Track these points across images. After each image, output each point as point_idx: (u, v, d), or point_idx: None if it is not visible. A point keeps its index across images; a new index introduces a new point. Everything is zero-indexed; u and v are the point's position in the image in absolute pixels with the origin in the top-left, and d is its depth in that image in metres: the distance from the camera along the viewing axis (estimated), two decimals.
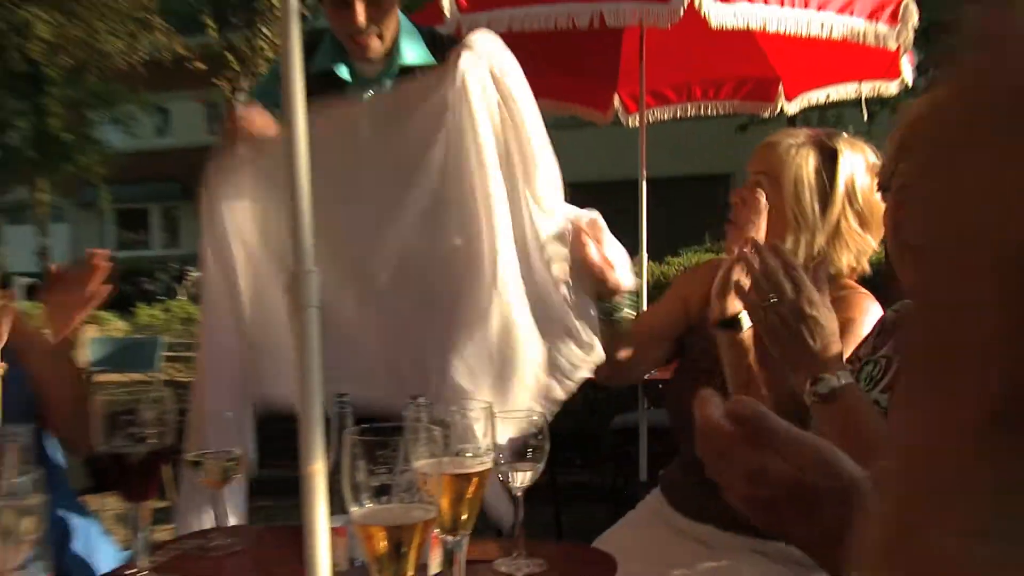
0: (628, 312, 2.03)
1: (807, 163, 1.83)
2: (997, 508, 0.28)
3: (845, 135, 1.89)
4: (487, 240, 1.86)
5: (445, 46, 2.28)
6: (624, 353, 2.06)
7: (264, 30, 15.71)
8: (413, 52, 2.27)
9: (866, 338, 1.68)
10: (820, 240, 1.83)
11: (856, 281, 1.91)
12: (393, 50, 2.26)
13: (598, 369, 2.10)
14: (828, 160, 1.85)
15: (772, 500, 0.80)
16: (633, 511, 2.07)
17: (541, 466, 1.39)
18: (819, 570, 1.83)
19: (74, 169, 21.59)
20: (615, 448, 4.15)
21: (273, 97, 2.28)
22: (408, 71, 2.24)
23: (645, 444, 3.90)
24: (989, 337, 0.27)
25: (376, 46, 2.21)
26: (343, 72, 2.25)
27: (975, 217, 0.27)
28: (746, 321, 1.77)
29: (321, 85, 2.11)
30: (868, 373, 1.56)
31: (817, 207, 1.83)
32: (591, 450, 4.33)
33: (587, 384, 4.18)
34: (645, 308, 3.62)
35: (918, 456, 0.31)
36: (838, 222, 1.84)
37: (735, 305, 1.79)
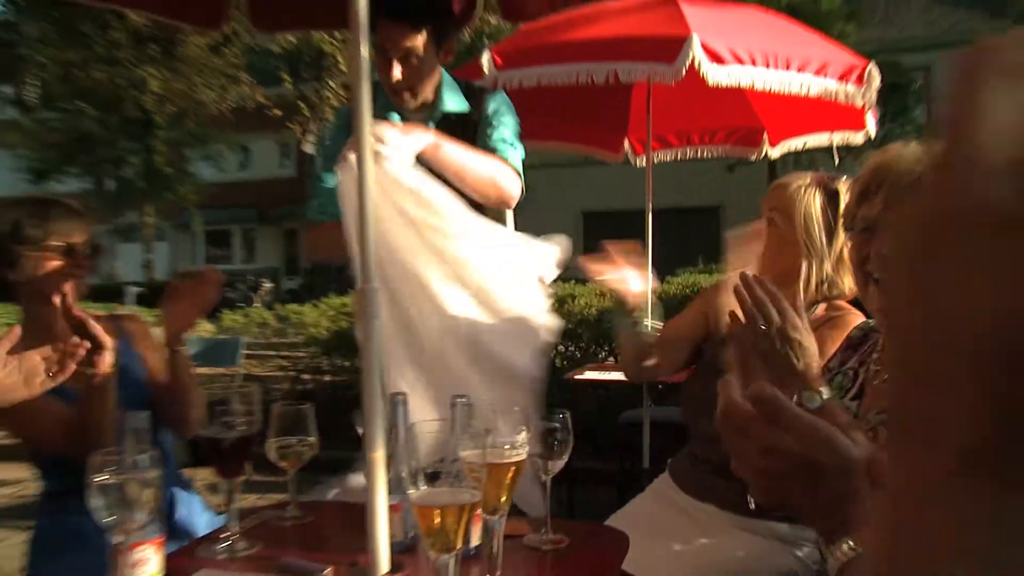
0: (654, 322, 2.03)
1: (815, 201, 1.83)
2: (969, 541, 0.29)
3: (845, 178, 1.88)
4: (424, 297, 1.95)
5: (476, 95, 2.29)
6: (654, 356, 2.05)
7: (330, 83, 15.85)
8: (452, 101, 2.25)
9: (835, 352, 1.67)
10: (827, 266, 1.83)
11: (852, 302, 1.90)
12: (436, 100, 2.24)
13: (627, 370, 2.10)
14: (831, 199, 1.85)
15: (781, 473, 0.81)
16: (641, 494, 2.06)
17: (566, 457, 1.40)
18: (798, 545, 1.82)
19: (174, 197, 21.89)
20: (622, 439, 4.13)
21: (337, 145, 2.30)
22: (448, 117, 2.23)
23: (648, 436, 3.89)
24: (958, 402, 0.28)
25: (408, 100, 2.19)
26: (394, 119, 2.22)
27: (945, 311, 0.28)
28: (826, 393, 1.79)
29: None
30: (838, 383, 1.55)
31: (824, 238, 1.83)
32: (601, 441, 4.30)
33: (598, 385, 4.17)
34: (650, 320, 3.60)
35: (903, 496, 0.32)
36: (841, 251, 1.83)
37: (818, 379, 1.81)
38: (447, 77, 2.28)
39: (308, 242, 2.25)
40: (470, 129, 2.22)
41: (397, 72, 2.11)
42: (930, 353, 0.29)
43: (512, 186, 2.14)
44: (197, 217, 25.24)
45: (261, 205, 28.12)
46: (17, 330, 1.40)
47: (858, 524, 0.78)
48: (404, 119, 2.24)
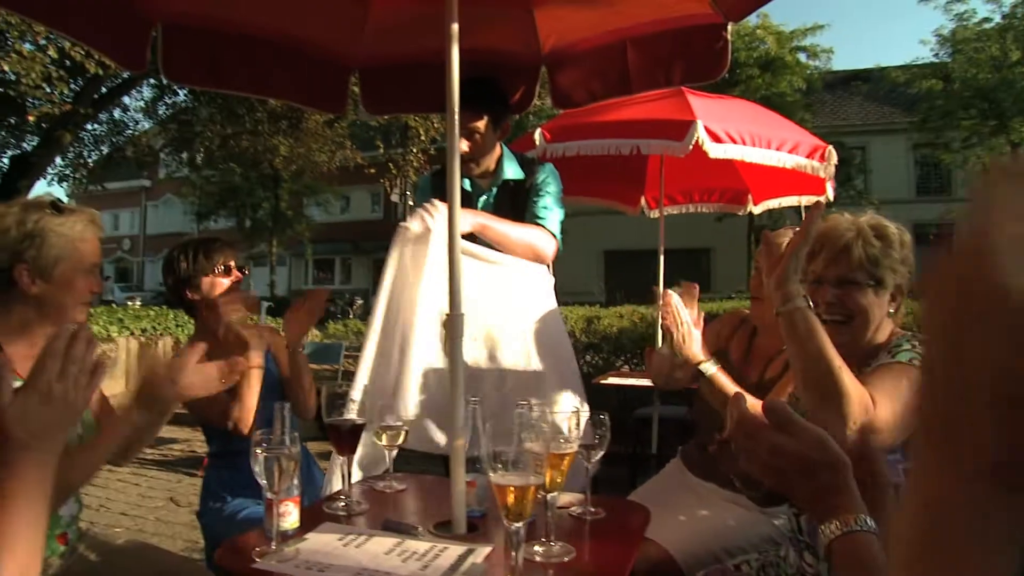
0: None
1: None
2: (989, 554, 0.29)
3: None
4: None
5: (529, 165, 2.26)
6: (679, 373, 2.00)
7: (412, 149, 16.06)
8: (511, 171, 2.22)
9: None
10: None
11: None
12: (498, 169, 2.22)
13: (657, 381, 2.06)
14: None
15: (784, 468, 0.81)
16: (657, 475, 2.03)
17: (605, 448, 1.39)
18: (776, 516, 1.77)
19: (293, 233, 22.45)
20: (635, 430, 4.08)
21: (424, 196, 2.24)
22: (507, 183, 2.21)
23: (656, 428, 3.85)
24: (979, 430, 0.29)
25: (471, 167, 2.17)
26: (465, 184, 2.21)
27: (971, 364, 0.30)
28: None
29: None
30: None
31: None
32: (619, 430, 4.25)
33: (618, 388, 4.11)
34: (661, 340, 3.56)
35: (931, 499, 0.32)
36: None
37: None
38: (507, 151, 2.27)
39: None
40: (523, 193, 2.20)
41: (464, 146, 2.10)
42: (960, 393, 0.29)
43: (547, 247, 2.12)
44: (309, 248, 25.79)
45: (356, 240, 28.60)
46: (202, 345, 1.45)
47: (843, 509, 0.78)
48: (473, 184, 2.24)
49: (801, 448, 0.80)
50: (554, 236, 2.15)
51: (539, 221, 2.15)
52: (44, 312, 1.42)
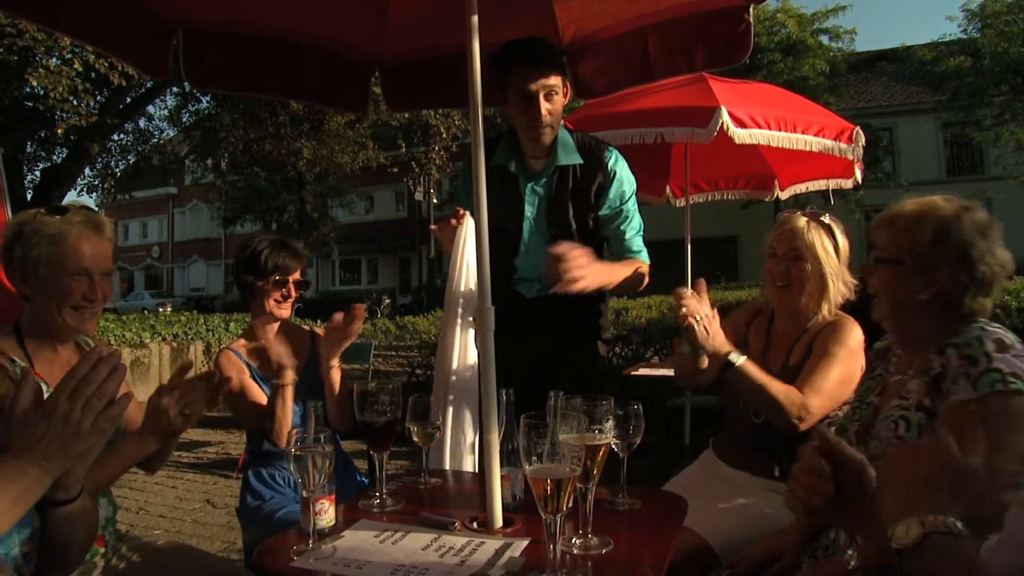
0: None
1: (820, 236, 1.77)
2: None
3: (826, 214, 1.81)
4: None
5: (589, 149, 2.09)
6: (700, 375, 1.96)
7: (434, 147, 16.14)
8: (565, 155, 2.06)
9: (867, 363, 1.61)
10: (839, 283, 1.78)
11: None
12: (552, 152, 2.06)
13: (683, 381, 2.04)
14: (828, 232, 1.78)
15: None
16: (691, 465, 2.01)
17: (639, 438, 1.37)
18: None
19: (319, 234, 22.65)
20: (667, 421, 4.05)
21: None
22: (563, 171, 2.06)
23: (688, 419, 3.82)
24: None
25: (547, 133, 2.00)
26: (513, 167, 2.08)
27: None
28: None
29: (499, 174, 2.02)
30: (868, 386, 1.48)
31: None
32: (651, 422, 4.22)
33: (649, 379, 4.08)
34: None
35: None
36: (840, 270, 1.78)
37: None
38: (562, 132, 2.07)
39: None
40: (586, 184, 2.06)
41: (545, 106, 1.94)
42: None
43: (645, 276, 2.09)
44: (335, 249, 26.04)
45: (381, 240, 28.82)
46: (184, 369, 1.46)
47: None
48: (521, 167, 2.10)
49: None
50: (648, 266, 2.09)
51: (637, 256, 2.08)
52: (37, 314, 1.38)
